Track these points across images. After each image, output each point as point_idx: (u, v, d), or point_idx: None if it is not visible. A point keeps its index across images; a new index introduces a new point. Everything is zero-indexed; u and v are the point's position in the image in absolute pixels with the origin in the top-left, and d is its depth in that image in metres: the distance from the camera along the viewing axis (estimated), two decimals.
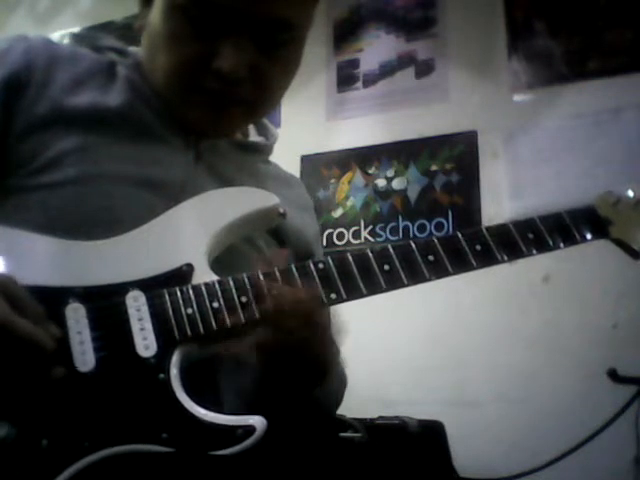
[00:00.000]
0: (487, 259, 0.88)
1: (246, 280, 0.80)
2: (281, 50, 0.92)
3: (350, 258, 0.84)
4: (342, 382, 1.02)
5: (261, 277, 0.81)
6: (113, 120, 0.91)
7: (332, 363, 0.86)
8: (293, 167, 2.69)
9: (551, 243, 0.91)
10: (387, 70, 2.81)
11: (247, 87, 0.91)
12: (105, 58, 0.98)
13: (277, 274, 0.81)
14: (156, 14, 0.91)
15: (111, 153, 0.89)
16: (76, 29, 3.30)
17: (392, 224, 2.64)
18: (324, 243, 2.66)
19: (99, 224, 0.83)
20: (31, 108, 0.88)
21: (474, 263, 0.87)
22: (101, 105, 0.91)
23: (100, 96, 0.92)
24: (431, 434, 2.02)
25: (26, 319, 0.68)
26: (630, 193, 0.99)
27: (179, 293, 0.79)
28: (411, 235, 2.59)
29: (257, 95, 0.93)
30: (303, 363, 0.82)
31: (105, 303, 0.77)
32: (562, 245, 0.92)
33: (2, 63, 0.90)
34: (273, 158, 1.11)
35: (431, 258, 0.86)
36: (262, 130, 1.10)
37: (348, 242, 2.70)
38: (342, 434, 1.79)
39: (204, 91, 0.90)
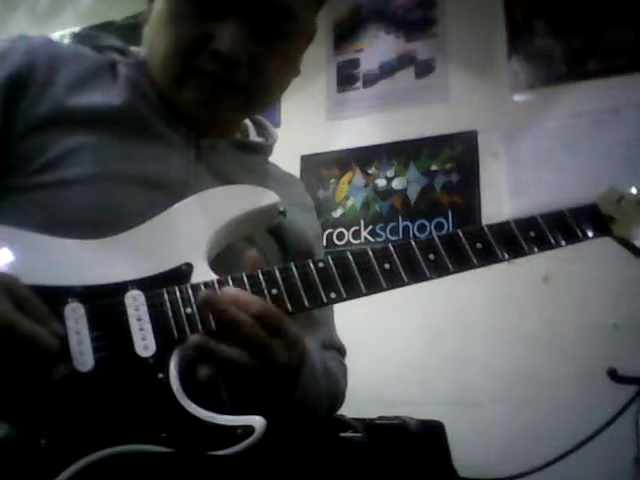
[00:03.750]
0: (488, 257, 0.87)
1: (245, 279, 0.80)
2: (280, 41, 0.92)
3: (350, 257, 0.83)
4: (332, 384, 0.99)
5: (261, 276, 0.81)
6: (115, 119, 0.91)
7: (302, 366, 0.83)
8: (293, 167, 2.69)
9: (553, 241, 0.91)
10: (387, 70, 2.81)
11: (243, 74, 0.90)
12: (106, 58, 0.98)
13: (276, 273, 0.81)
14: (160, 1, 0.92)
15: (112, 152, 0.89)
16: (76, 29, 3.30)
17: (392, 224, 2.64)
18: (324, 243, 2.66)
19: (99, 223, 0.83)
20: (33, 108, 0.88)
21: (475, 261, 0.86)
22: (103, 104, 0.91)
23: (102, 95, 0.92)
24: (431, 434, 2.02)
25: (30, 319, 0.68)
26: (633, 190, 0.99)
27: (178, 292, 0.78)
28: (411, 235, 2.59)
29: (252, 83, 0.92)
30: (268, 371, 0.78)
31: (104, 302, 0.76)
32: (564, 243, 0.92)
33: (3, 63, 0.90)
34: (273, 158, 1.11)
35: (432, 256, 0.85)
36: (261, 131, 1.10)
37: (348, 242, 2.70)
38: (342, 434, 1.79)
39: (199, 72, 0.90)
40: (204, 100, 0.92)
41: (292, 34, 0.93)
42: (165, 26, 0.91)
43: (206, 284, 0.79)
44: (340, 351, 1.09)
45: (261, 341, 0.76)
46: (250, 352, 0.76)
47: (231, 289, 0.79)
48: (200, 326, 0.77)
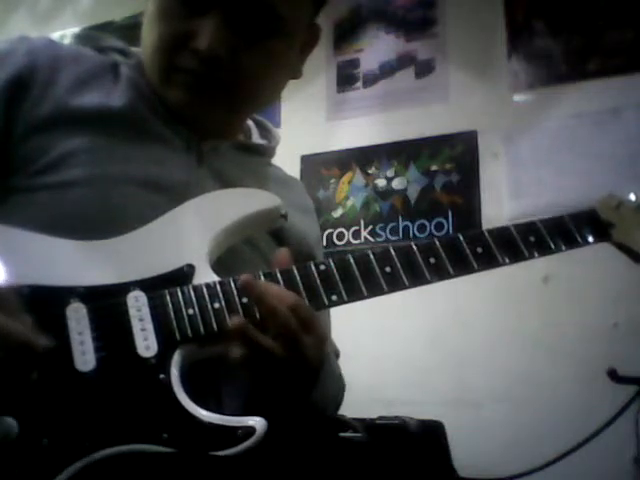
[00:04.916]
0: (488, 262, 0.88)
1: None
2: (264, 41, 0.92)
3: (351, 259, 0.84)
4: (340, 386, 1.02)
5: (262, 278, 0.81)
6: (116, 121, 0.91)
7: (323, 365, 0.85)
8: (293, 167, 2.69)
9: (553, 246, 0.92)
10: (387, 70, 2.81)
11: (226, 72, 0.90)
12: (108, 58, 0.99)
13: (278, 275, 0.81)
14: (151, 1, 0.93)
15: (114, 154, 0.89)
16: (76, 29, 3.30)
17: (392, 224, 2.64)
18: (324, 243, 2.66)
19: (101, 225, 0.83)
20: (34, 109, 0.88)
21: (475, 265, 0.87)
22: (104, 106, 0.91)
23: (103, 97, 0.92)
24: (431, 434, 2.02)
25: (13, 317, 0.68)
26: (632, 197, 1.00)
27: (180, 293, 0.79)
28: (411, 235, 2.59)
29: (237, 82, 0.92)
30: (296, 366, 0.80)
31: (106, 303, 0.77)
32: (564, 248, 0.93)
33: (5, 64, 0.90)
34: (273, 158, 1.11)
35: (432, 260, 0.86)
36: (264, 132, 1.10)
37: (348, 242, 2.70)
38: (342, 434, 1.79)
39: (181, 70, 0.91)
40: (189, 98, 0.92)
41: (279, 34, 0.93)
42: (153, 24, 0.92)
43: (208, 285, 0.80)
44: (336, 354, 1.10)
45: (294, 333, 0.77)
46: (282, 343, 0.77)
47: (265, 282, 0.80)
48: (202, 327, 0.78)
